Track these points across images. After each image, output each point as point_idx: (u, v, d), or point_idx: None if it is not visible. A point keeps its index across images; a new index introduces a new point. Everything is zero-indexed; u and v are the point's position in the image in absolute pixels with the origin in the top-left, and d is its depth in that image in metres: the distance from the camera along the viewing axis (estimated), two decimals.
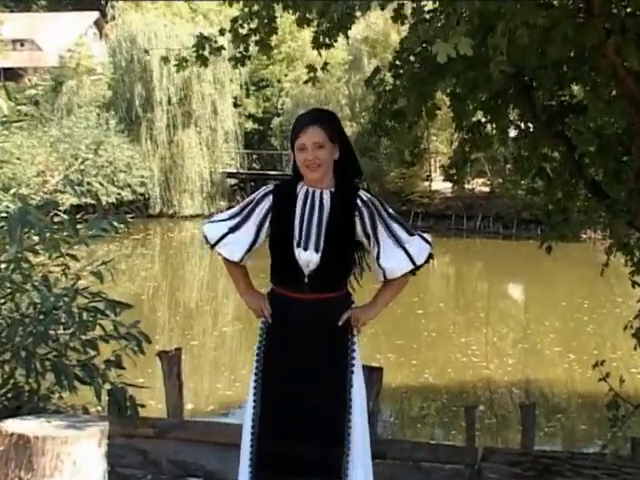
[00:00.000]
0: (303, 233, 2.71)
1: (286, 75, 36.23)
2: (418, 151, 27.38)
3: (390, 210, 2.79)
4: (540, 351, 12.03)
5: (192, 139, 32.11)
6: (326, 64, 5.06)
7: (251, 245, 2.79)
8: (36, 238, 3.33)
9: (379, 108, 4.40)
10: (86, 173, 28.30)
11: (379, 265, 2.75)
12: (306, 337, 2.73)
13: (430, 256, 2.77)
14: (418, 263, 2.74)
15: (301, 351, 2.73)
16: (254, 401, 2.79)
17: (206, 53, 4.75)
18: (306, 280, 2.71)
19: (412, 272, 2.76)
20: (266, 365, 2.78)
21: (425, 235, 2.79)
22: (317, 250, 2.70)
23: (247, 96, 36.84)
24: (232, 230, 2.80)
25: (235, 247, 2.80)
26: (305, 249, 2.70)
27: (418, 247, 2.74)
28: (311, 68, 4.94)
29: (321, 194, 2.76)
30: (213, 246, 2.84)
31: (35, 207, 3.34)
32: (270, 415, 2.74)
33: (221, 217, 2.89)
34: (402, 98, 4.08)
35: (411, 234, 2.76)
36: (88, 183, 28.51)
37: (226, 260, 2.85)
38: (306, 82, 5.08)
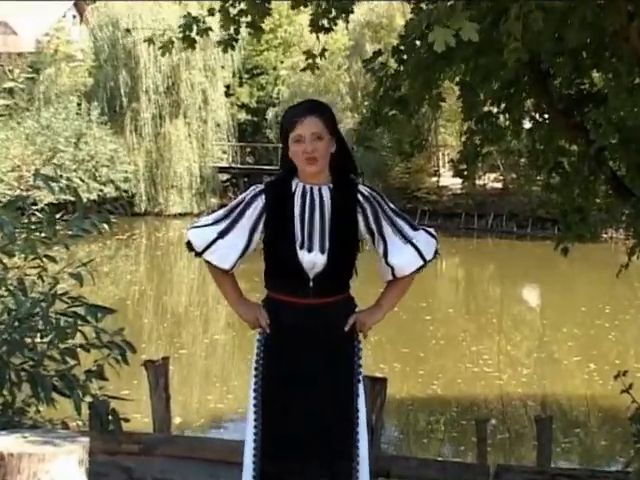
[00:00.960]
0: (305, 233, 2.70)
1: (282, 62, 36.26)
2: (424, 143, 27.36)
3: (391, 204, 2.81)
4: (557, 360, 12.03)
5: (180, 131, 32.12)
6: (325, 50, 5.07)
7: (244, 251, 2.76)
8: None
9: (380, 95, 4.40)
10: (65, 168, 28.29)
11: (387, 263, 2.76)
12: (311, 346, 2.72)
13: (436, 251, 2.80)
14: (428, 258, 2.77)
15: (306, 361, 2.72)
16: (255, 419, 2.76)
17: (193, 34, 4.74)
18: (311, 284, 2.70)
19: (421, 269, 2.79)
20: (267, 380, 2.76)
21: (429, 229, 2.83)
22: (323, 251, 2.69)
23: (240, 85, 36.84)
24: (222, 235, 2.75)
25: (226, 253, 2.75)
26: (309, 250, 2.69)
27: (425, 241, 2.78)
28: (309, 54, 4.95)
29: (320, 190, 2.75)
30: (200, 253, 2.78)
31: (2, 205, 3.33)
32: (274, 434, 2.73)
33: (205, 221, 2.81)
34: (405, 85, 4.08)
35: (415, 228, 2.80)
36: (67, 179, 28.48)
37: (214, 268, 2.80)
38: (304, 69, 5.08)
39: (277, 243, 2.74)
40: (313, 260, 2.69)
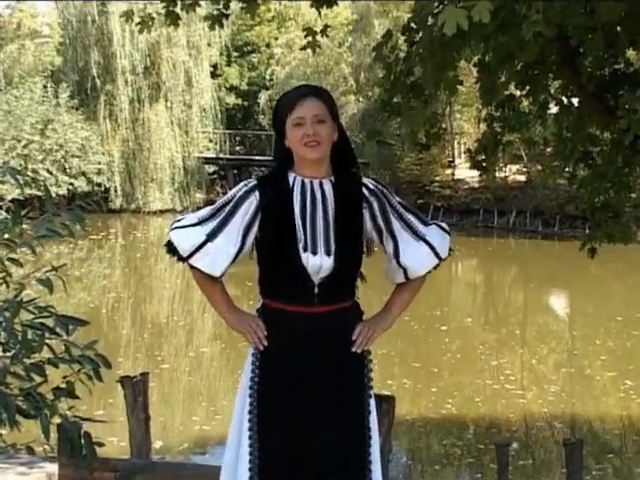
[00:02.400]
0: (308, 234, 2.70)
1: (276, 38, 36.32)
2: (438, 131, 27.43)
3: (398, 198, 2.83)
4: (589, 377, 12.04)
5: (161, 117, 32.17)
6: (327, 26, 5.07)
7: (236, 255, 2.75)
8: None
9: (390, 81, 4.42)
10: (31, 159, 28.35)
11: (399, 264, 2.78)
12: (316, 359, 2.72)
13: (451, 248, 2.83)
14: (443, 256, 2.80)
15: (311, 377, 2.72)
16: (250, 445, 2.74)
17: (178, 9, 4.75)
18: (316, 290, 2.70)
19: (435, 268, 2.82)
20: (266, 401, 2.74)
21: (441, 224, 2.86)
22: (329, 253, 2.69)
23: (228, 64, 36.89)
24: (210, 237, 2.72)
25: (217, 258, 2.73)
26: (314, 253, 2.69)
27: (439, 238, 2.80)
28: (310, 31, 4.95)
29: (321, 185, 2.75)
30: (186, 259, 2.75)
31: None
32: (275, 459, 2.72)
33: (190, 220, 2.77)
34: (418, 69, 4.10)
35: (426, 224, 2.82)
36: (33, 171, 28.56)
37: (202, 275, 2.78)
38: (303, 48, 5.08)
39: (276, 246, 2.73)
40: (318, 264, 2.68)
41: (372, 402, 2.79)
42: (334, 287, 2.72)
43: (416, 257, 2.77)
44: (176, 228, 2.78)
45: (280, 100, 2.79)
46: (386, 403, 4.25)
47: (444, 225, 2.85)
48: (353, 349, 2.75)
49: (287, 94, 2.78)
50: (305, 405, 2.71)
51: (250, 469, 2.71)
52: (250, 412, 2.74)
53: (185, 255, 2.75)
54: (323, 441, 2.72)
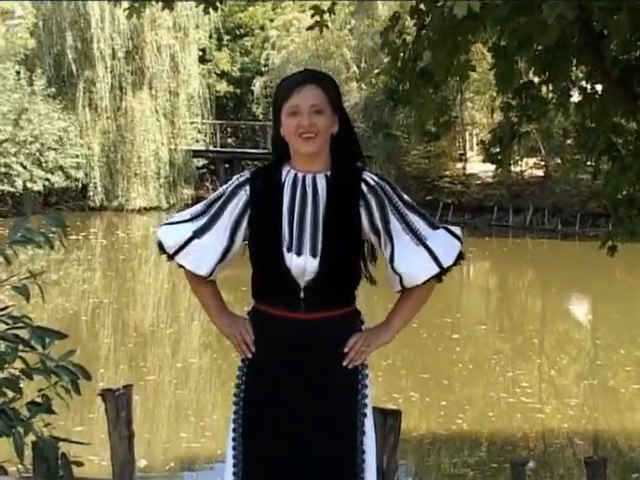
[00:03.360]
0: (294, 233, 2.71)
1: (272, 20, 36.33)
2: (449, 120, 27.46)
3: (405, 196, 2.79)
4: (613, 389, 12.04)
5: (145, 106, 32.17)
6: (334, 4, 5.06)
7: (224, 253, 2.79)
8: None
9: (398, 67, 4.42)
10: (3, 152, 28.32)
11: (394, 270, 2.75)
12: (303, 371, 2.74)
13: (460, 255, 2.76)
14: (445, 265, 2.73)
15: (297, 390, 2.73)
16: (234, 465, 2.78)
17: None
18: (302, 294, 2.71)
19: (438, 277, 2.76)
20: (250, 410, 2.78)
21: (452, 228, 2.79)
22: (314, 254, 2.70)
23: (219, 48, 36.91)
24: (198, 234, 2.78)
25: (203, 257, 2.79)
26: (298, 254, 2.70)
27: (443, 243, 2.74)
28: (317, 10, 4.94)
29: (314, 180, 2.75)
30: (172, 256, 2.83)
31: None
32: (260, 469, 2.76)
33: (181, 217, 2.86)
34: (427, 54, 4.10)
35: (434, 227, 2.76)
36: (6, 165, 28.59)
37: (191, 274, 2.84)
38: (310, 28, 5.07)
39: (262, 245, 2.75)
40: (302, 265, 2.69)
41: (368, 422, 2.78)
42: (323, 292, 2.72)
43: (413, 263, 2.73)
44: (165, 224, 2.87)
45: (278, 87, 2.80)
46: (392, 418, 4.24)
47: (455, 230, 2.78)
48: (344, 363, 2.75)
49: (285, 80, 2.80)
50: (292, 410, 2.73)
51: (234, 473, 2.77)
52: (234, 421, 2.79)
53: (171, 252, 2.83)
54: (307, 465, 2.72)
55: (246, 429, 2.78)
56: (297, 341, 2.72)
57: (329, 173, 2.76)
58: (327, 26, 4.99)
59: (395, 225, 2.74)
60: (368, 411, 2.78)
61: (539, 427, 10.29)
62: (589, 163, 5.17)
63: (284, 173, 2.77)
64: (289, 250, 2.70)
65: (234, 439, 2.79)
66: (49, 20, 31.62)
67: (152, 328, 16.01)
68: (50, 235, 3.37)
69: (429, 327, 13.42)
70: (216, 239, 2.78)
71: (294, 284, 2.71)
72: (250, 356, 2.79)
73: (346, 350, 2.75)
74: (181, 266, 2.83)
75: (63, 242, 3.37)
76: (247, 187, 2.78)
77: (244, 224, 2.77)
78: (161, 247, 2.85)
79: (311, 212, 2.72)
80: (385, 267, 2.80)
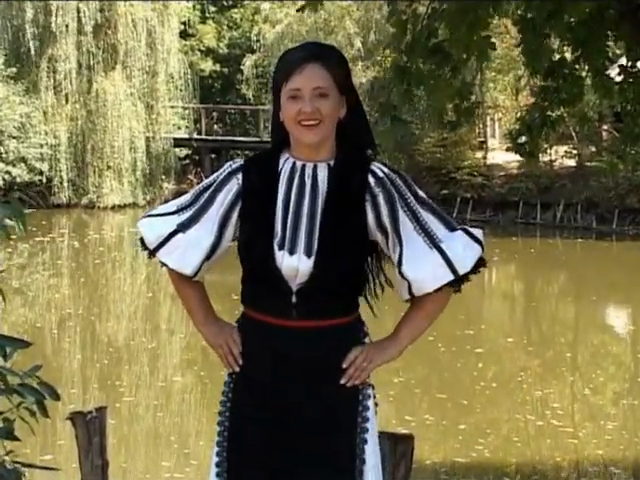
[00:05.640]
0: (288, 229, 2.71)
1: None
2: (471, 106, 27.51)
3: (420, 192, 2.78)
4: None
5: (119, 88, 32.15)
6: None
7: (211, 250, 2.79)
8: None
9: (408, 43, 4.43)
10: None
11: (402, 274, 2.73)
12: (294, 387, 2.74)
13: (481, 262, 2.74)
14: (461, 271, 2.71)
15: (287, 408, 2.74)
16: (217, 474, 2.80)
17: None
18: (294, 299, 2.71)
19: (454, 286, 2.74)
20: (234, 434, 2.79)
21: (473, 230, 2.76)
22: (309, 254, 2.70)
23: (203, 21, 36.92)
24: (182, 228, 2.79)
25: (187, 253, 2.79)
26: (291, 252, 2.70)
27: (461, 247, 2.72)
28: None
29: (314, 170, 2.75)
30: (153, 252, 2.84)
31: None
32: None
33: (166, 209, 2.87)
34: (442, 29, 4.11)
35: (452, 228, 2.74)
36: None
37: (174, 273, 2.85)
38: (301, 10, 5.09)
39: (252, 241, 2.75)
40: (295, 265, 2.68)
41: (369, 449, 2.77)
42: (318, 297, 2.71)
43: (423, 268, 2.70)
44: (147, 217, 2.88)
45: (278, 64, 2.78)
46: (403, 444, 4.26)
47: (476, 232, 2.75)
48: (342, 381, 2.75)
49: (286, 55, 2.78)
50: (281, 444, 2.74)
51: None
52: (218, 443, 2.81)
53: (152, 247, 2.84)
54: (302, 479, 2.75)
55: (232, 454, 2.79)
56: (287, 353, 2.72)
57: (332, 162, 2.76)
58: (321, 3, 4.99)
59: (406, 224, 2.72)
60: (369, 436, 2.77)
61: (572, 454, 10.30)
62: (631, 152, 5.18)
63: (282, 161, 2.78)
64: (281, 248, 2.69)
65: (218, 471, 2.81)
66: None
67: (128, 342, 16.01)
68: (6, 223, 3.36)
69: (447, 340, 13.42)
70: (203, 233, 2.78)
71: (285, 286, 2.70)
72: (237, 369, 2.80)
73: (345, 366, 2.74)
74: (164, 264, 2.84)
75: (24, 228, 3.34)
76: (240, 176, 2.78)
77: (234, 217, 2.78)
78: (142, 242, 2.86)
79: (308, 206, 2.73)
80: (393, 272, 2.79)
